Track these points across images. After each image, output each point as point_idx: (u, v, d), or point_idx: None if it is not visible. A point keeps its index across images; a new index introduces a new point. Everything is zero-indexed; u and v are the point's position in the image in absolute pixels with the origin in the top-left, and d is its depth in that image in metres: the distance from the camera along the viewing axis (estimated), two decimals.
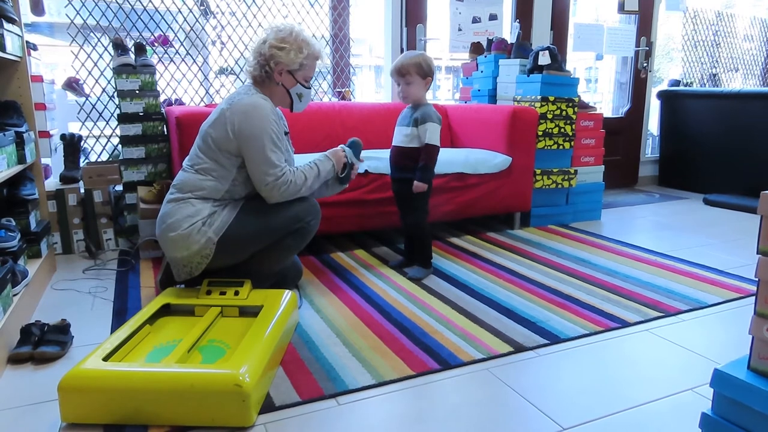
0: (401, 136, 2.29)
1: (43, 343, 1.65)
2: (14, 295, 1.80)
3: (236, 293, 1.80)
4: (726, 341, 1.77)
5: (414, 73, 2.20)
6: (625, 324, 1.88)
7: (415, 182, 2.24)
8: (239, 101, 1.81)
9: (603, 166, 3.41)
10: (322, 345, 1.72)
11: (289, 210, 1.85)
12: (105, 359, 1.38)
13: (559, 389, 1.48)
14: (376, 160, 2.67)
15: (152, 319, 1.69)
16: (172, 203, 1.82)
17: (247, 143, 1.79)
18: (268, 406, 1.39)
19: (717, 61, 5.12)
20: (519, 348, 1.71)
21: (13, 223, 2.03)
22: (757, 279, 0.95)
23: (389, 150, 2.50)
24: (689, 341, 1.77)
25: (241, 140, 1.79)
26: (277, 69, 1.86)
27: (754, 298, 2.06)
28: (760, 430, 0.91)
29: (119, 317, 1.92)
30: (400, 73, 2.22)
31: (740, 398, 0.93)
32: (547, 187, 3.15)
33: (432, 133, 2.22)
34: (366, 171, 2.61)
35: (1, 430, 1.31)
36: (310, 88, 1.97)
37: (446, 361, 1.62)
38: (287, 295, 1.81)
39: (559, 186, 3.18)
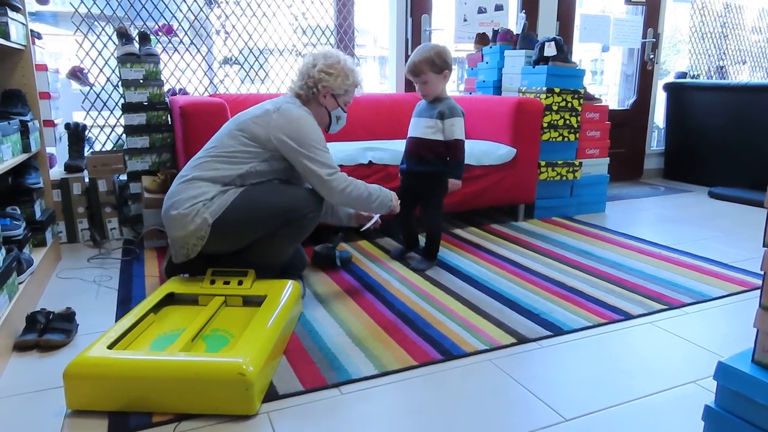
0: (422, 127, 2.24)
1: (48, 330, 1.66)
2: (20, 283, 1.81)
3: (240, 283, 1.80)
4: (730, 334, 1.77)
5: (428, 71, 2.16)
6: (628, 316, 1.88)
7: (451, 181, 2.21)
8: (289, 109, 1.91)
9: (608, 158, 3.40)
10: (326, 335, 1.73)
11: (286, 200, 1.85)
12: (110, 347, 1.39)
13: (562, 381, 1.49)
14: (381, 151, 2.67)
15: (156, 308, 1.69)
16: (183, 183, 1.85)
17: (298, 149, 1.87)
18: (272, 394, 1.39)
19: (724, 53, 5.08)
20: (522, 339, 1.71)
21: (18, 212, 2.04)
22: (762, 272, 0.95)
23: (394, 141, 2.51)
24: (693, 334, 1.77)
25: (287, 146, 1.87)
26: (323, 92, 2.00)
27: (759, 291, 2.06)
28: (764, 422, 0.91)
29: (124, 306, 1.93)
30: (415, 74, 2.18)
31: (744, 391, 0.92)
32: (551, 179, 3.14)
33: (460, 129, 2.19)
34: (370, 162, 2.61)
35: (7, 416, 1.32)
36: (346, 112, 2.11)
37: (449, 352, 1.62)
38: (291, 285, 1.82)
39: (564, 178, 3.17)
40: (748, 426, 0.93)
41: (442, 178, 2.23)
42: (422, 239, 2.43)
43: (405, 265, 2.35)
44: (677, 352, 1.66)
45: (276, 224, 1.84)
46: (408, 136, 2.32)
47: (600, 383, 1.47)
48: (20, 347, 1.63)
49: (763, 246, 0.95)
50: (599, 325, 1.82)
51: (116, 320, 1.82)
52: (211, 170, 1.85)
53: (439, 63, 2.16)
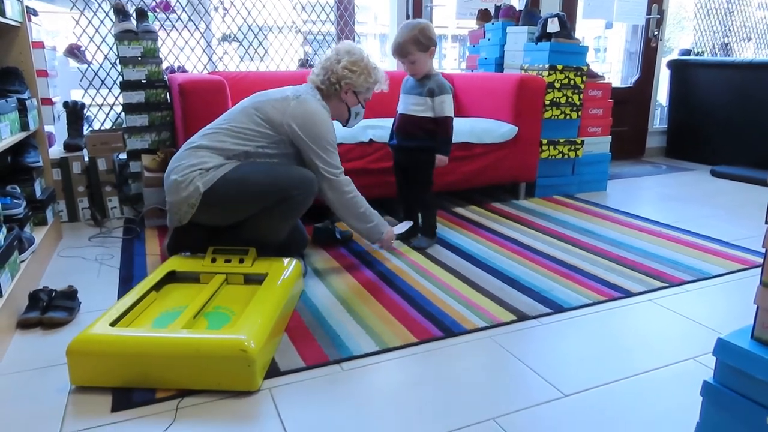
0: (411, 105, 2.24)
1: (51, 308, 1.67)
2: (21, 261, 1.82)
3: (241, 261, 1.81)
4: (729, 312, 1.78)
5: (415, 51, 2.13)
6: (628, 294, 1.89)
7: (438, 156, 2.21)
8: (307, 101, 1.95)
9: (610, 136, 3.38)
10: (327, 312, 1.73)
11: (278, 179, 1.86)
12: (112, 324, 1.40)
13: (562, 357, 1.50)
14: (381, 129, 2.65)
15: (158, 286, 1.70)
16: (188, 150, 1.88)
17: (308, 143, 1.91)
18: (273, 371, 1.41)
19: (729, 30, 5.02)
20: (522, 317, 1.72)
21: (18, 191, 2.03)
22: (764, 249, 0.95)
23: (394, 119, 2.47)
24: (692, 311, 1.78)
25: (298, 137, 1.91)
26: (345, 88, 2.04)
27: (759, 269, 2.06)
28: (762, 398, 0.92)
29: (125, 284, 1.94)
30: (402, 55, 2.16)
31: (743, 367, 0.93)
32: (553, 157, 3.12)
33: (449, 106, 2.18)
34: (370, 140, 2.60)
35: (12, 392, 1.33)
36: (364, 108, 2.16)
37: (449, 329, 1.63)
38: (292, 263, 1.82)
39: (566, 156, 3.16)
40: (746, 401, 0.94)
41: (431, 153, 2.23)
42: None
43: (406, 244, 2.36)
44: (677, 329, 1.67)
45: (267, 201, 1.85)
46: (398, 112, 2.32)
47: (599, 360, 1.49)
48: (23, 325, 1.64)
49: (765, 224, 0.94)
50: (599, 302, 1.83)
51: (118, 298, 1.83)
52: (218, 142, 1.87)
53: (425, 41, 2.14)
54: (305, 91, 2.00)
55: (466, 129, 2.80)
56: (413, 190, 2.37)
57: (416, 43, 2.13)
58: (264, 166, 1.89)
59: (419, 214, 2.39)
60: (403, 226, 2.32)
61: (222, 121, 1.95)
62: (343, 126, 2.18)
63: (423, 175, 2.29)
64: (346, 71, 2.01)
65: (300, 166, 1.98)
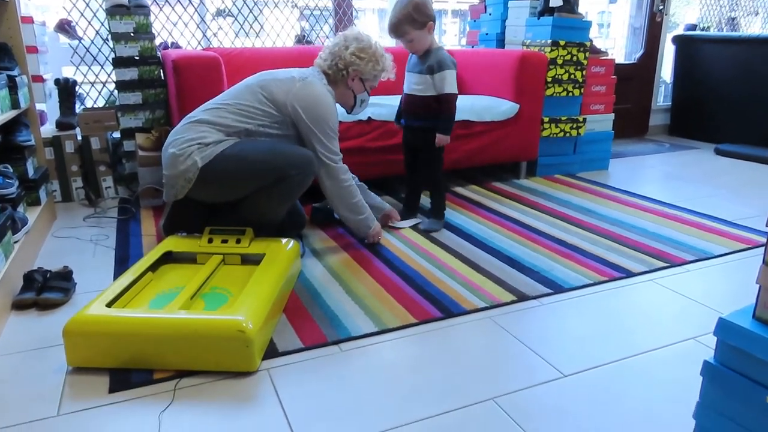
0: (413, 84, 2.21)
1: (46, 289, 1.67)
2: (15, 242, 1.81)
3: (238, 241, 1.80)
4: (731, 292, 1.78)
5: (411, 30, 2.09)
6: (629, 274, 1.89)
7: (438, 135, 2.17)
8: (313, 83, 1.95)
9: (613, 114, 3.36)
10: (325, 293, 1.74)
11: (277, 158, 1.85)
12: (108, 305, 1.40)
13: (562, 337, 1.51)
14: (380, 107, 2.63)
15: (154, 267, 1.70)
16: (189, 123, 1.88)
17: (310, 127, 1.92)
18: (272, 351, 1.41)
19: (736, 4, 4.96)
20: (522, 297, 1.73)
21: (11, 170, 2.02)
22: (767, 228, 0.95)
23: (393, 96, 2.46)
24: (694, 291, 1.78)
25: (300, 119, 1.91)
26: (352, 75, 2.05)
27: (762, 248, 2.06)
28: (762, 377, 0.92)
29: (121, 265, 1.94)
30: (397, 35, 2.13)
31: (744, 346, 0.93)
32: (554, 135, 3.11)
33: (450, 82, 2.14)
34: (369, 118, 2.58)
35: (9, 373, 1.34)
36: (370, 96, 2.17)
37: (449, 310, 1.64)
38: (290, 243, 1.82)
39: (567, 135, 3.14)
40: (746, 381, 0.94)
41: (437, 132, 2.21)
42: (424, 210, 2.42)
43: (413, 229, 2.35)
44: (677, 308, 1.67)
45: (265, 180, 1.84)
46: (403, 92, 2.29)
47: (599, 340, 1.49)
48: (18, 306, 1.64)
49: None
50: (600, 282, 1.83)
51: (114, 279, 1.83)
52: (219, 117, 1.87)
53: (420, 18, 2.08)
54: (311, 74, 2.01)
55: (466, 106, 2.78)
56: (423, 171, 2.35)
57: (411, 22, 2.08)
58: (264, 144, 1.89)
59: (430, 196, 2.36)
60: (409, 222, 2.33)
61: (225, 97, 1.94)
62: (348, 113, 2.18)
63: (432, 155, 2.27)
64: (354, 57, 2.01)
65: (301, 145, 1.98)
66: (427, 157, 2.29)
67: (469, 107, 2.80)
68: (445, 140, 2.20)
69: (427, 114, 2.20)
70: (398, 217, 2.35)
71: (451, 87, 2.15)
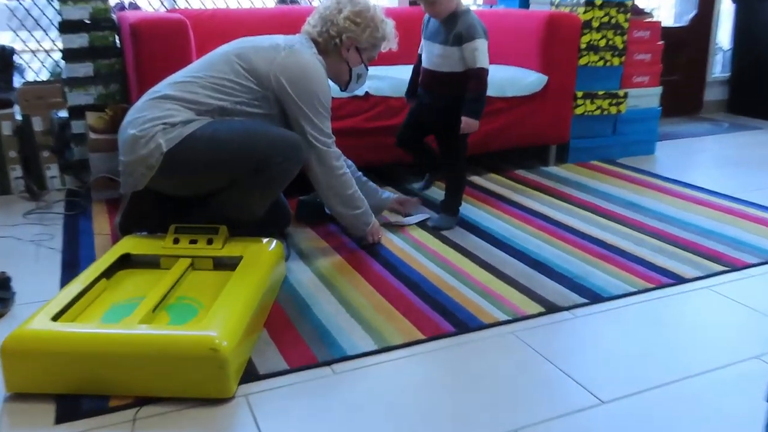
0: (435, 57, 2.18)
1: None
2: None
3: (210, 242, 1.80)
4: None
5: None
6: (681, 280, 1.89)
7: (465, 119, 2.13)
8: (301, 52, 1.95)
9: (660, 87, 3.36)
10: (315, 304, 1.74)
11: (257, 143, 1.84)
12: (54, 319, 1.40)
13: (599, 357, 1.50)
14: (379, 80, 2.63)
15: (109, 272, 1.70)
16: (151, 100, 1.87)
17: (297, 103, 1.91)
18: (251, 374, 1.41)
19: None
20: (552, 308, 1.72)
21: None
22: None
23: (395, 67, 2.46)
24: (757, 301, 1.78)
25: (285, 94, 1.90)
26: (346, 43, 2.03)
27: None
28: None
29: (70, 270, 1.94)
30: None
31: None
32: (590, 113, 3.11)
33: (482, 54, 2.11)
34: (366, 93, 2.57)
35: None
36: (368, 70, 2.17)
37: (464, 324, 1.64)
38: (272, 244, 1.82)
39: (605, 112, 3.14)
40: None
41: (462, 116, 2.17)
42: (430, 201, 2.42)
43: (419, 226, 2.35)
44: (738, 321, 1.67)
45: (242, 170, 1.84)
46: (421, 63, 2.28)
47: (644, 359, 1.49)
48: None
49: None
50: (646, 290, 1.83)
51: (61, 287, 1.82)
52: (189, 93, 1.86)
53: None
54: (299, 41, 2.00)
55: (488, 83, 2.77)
56: (441, 157, 2.35)
57: None
58: (241, 125, 1.88)
59: (446, 188, 2.36)
60: (416, 218, 2.33)
61: (195, 68, 1.93)
62: (342, 90, 2.18)
63: (454, 142, 2.25)
64: (349, 23, 2.00)
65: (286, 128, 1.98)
66: (447, 145, 2.29)
67: (488, 80, 2.79)
68: (473, 126, 2.16)
69: (453, 93, 2.18)
70: (414, 203, 2.40)
71: (483, 60, 2.12)
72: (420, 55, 2.28)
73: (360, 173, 2.26)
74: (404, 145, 2.41)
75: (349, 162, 2.18)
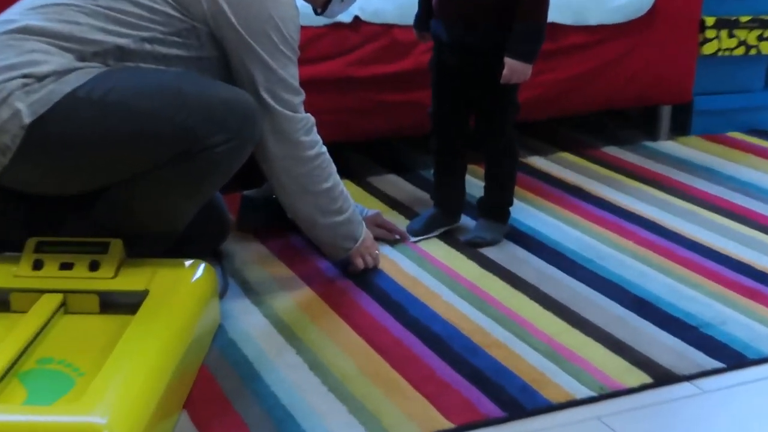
0: None
1: None
2: None
3: (94, 267, 1.80)
4: None
5: None
6: None
7: (509, 62, 2.15)
8: None
9: None
10: (269, 370, 1.74)
11: (179, 108, 1.83)
12: None
13: None
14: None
15: None
16: (4, 35, 1.83)
17: (246, 39, 1.92)
18: None
19: None
20: (664, 377, 1.72)
21: None
22: None
23: None
24: None
25: (226, 23, 1.91)
26: None
27: None
28: None
29: None
30: None
31: None
32: (727, 53, 3.13)
33: None
34: (356, 18, 2.58)
35: None
36: None
37: (517, 402, 1.64)
38: (197, 269, 1.83)
39: (753, 52, 3.15)
40: None
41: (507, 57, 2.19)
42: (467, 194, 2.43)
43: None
44: None
45: (157, 155, 1.84)
46: None
47: None
48: None
49: None
50: None
51: None
52: (66, 23, 1.84)
53: None
54: None
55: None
56: (477, 128, 2.37)
57: None
58: (156, 77, 1.89)
59: (488, 176, 2.39)
60: (433, 232, 2.35)
61: None
62: (317, 13, 2.20)
63: (497, 100, 2.28)
64: None
65: (227, 82, 1.98)
66: (489, 113, 2.32)
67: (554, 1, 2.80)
68: (523, 73, 2.18)
69: (490, 22, 2.21)
70: (394, 229, 2.38)
71: None
72: None
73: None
74: (444, 125, 2.41)
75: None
